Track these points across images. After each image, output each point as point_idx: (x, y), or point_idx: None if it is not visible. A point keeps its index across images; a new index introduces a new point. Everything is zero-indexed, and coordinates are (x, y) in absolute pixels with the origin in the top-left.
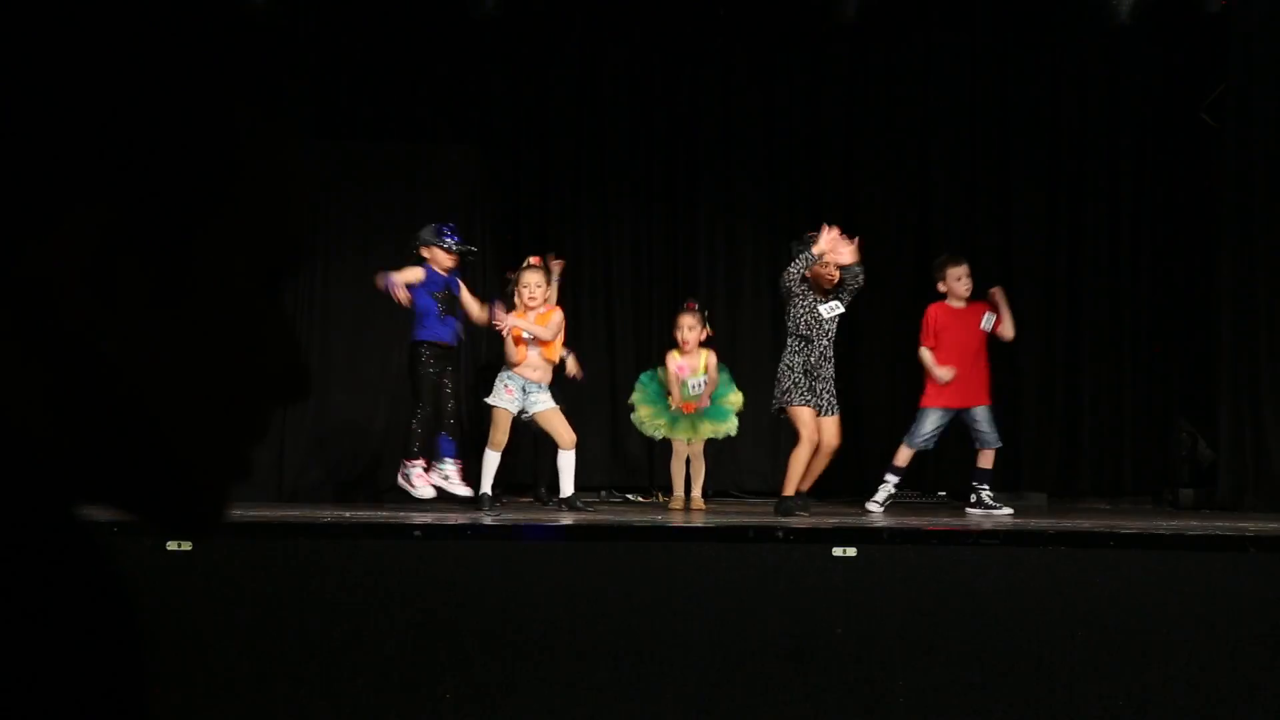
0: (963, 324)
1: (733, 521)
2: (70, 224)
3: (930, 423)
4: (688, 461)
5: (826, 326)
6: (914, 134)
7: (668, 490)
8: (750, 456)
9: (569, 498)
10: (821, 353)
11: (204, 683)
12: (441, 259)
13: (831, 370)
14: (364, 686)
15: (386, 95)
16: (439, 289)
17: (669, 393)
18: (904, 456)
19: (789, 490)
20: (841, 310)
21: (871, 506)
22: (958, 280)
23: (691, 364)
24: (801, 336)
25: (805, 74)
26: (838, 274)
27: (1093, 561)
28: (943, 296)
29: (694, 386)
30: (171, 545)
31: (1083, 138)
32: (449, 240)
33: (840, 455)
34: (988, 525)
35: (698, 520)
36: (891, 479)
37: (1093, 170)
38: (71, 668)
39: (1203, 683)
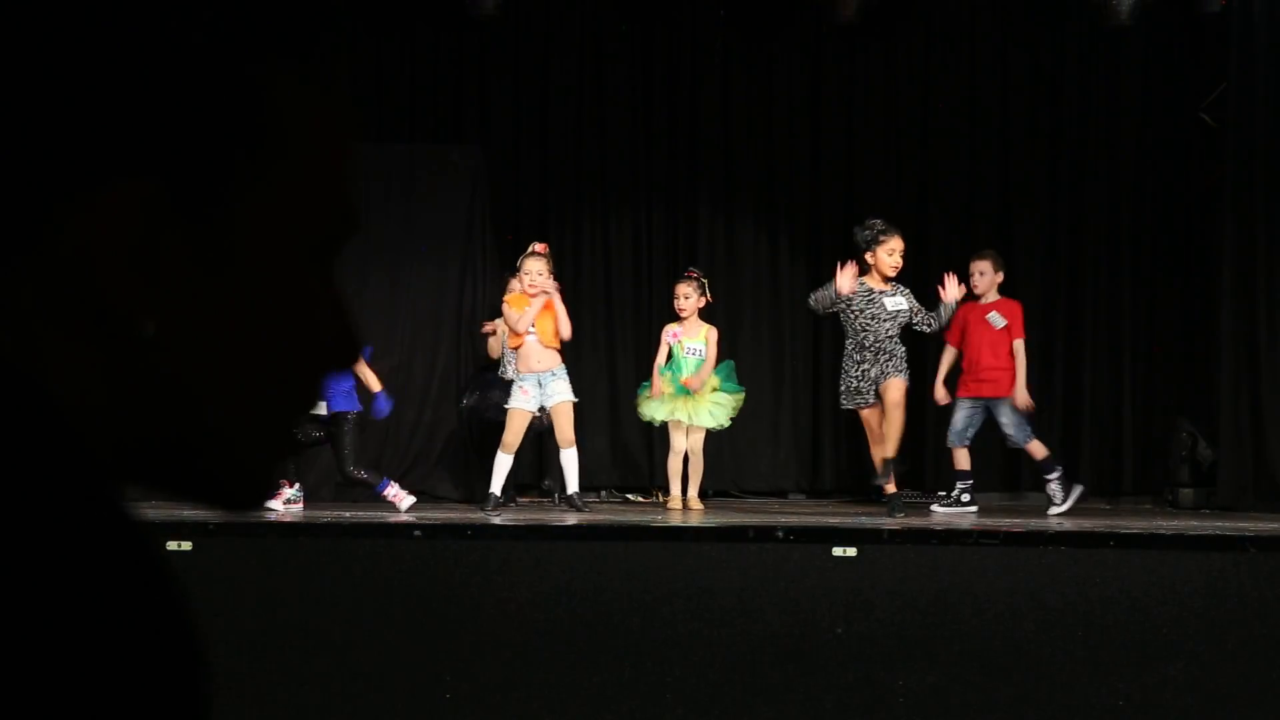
0: (981, 319)
1: (733, 521)
2: (113, 196)
3: (958, 414)
4: (686, 460)
5: (886, 320)
6: (914, 134)
7: (668, 490)
8: (750, 456)
9: (571, 496)
10: (878, 345)
11: None
12: None
13: (890, 350)
14: (364, 686)
15: (386, 95)
16: None
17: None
18: (959, 458)
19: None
20: (904, 306)
21: (935, 508)
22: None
23: (688, 333)
24: (858, 342)
25: (805, 74)
26: (901, 262)
27: (1093, 561)
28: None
29: (690, 351)
30: (172, 545)
31: (1083, 138)
32: None
33: (841, 456)
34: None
35: (698, 520)
36: (961, 484)
37: (1093, 170)
38: (125, 666)
39: (1203, 683)
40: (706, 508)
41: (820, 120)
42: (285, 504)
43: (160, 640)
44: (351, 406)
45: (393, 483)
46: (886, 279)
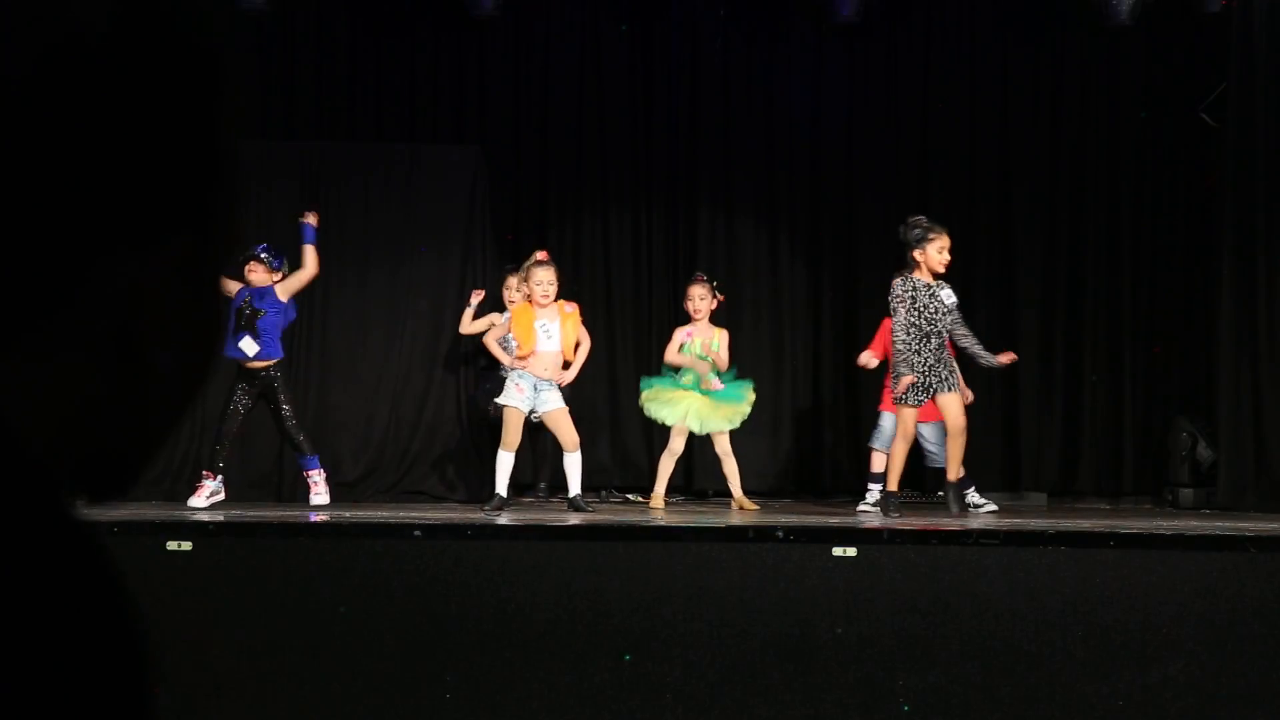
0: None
1: (733, 521)
2: (169, 248)
3: (885, 421)
4: (718, 462)
5: (945, 314)
6: (914, 134)
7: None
8: (750, 456)
9: (574, 498)
10: (941, 342)
11: (204, 683)
12: (247, 273)
13: (948, 353)
14: (364, 686)
15: (386, 95)
16: (239, 303)
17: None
18: (878, 461)
19: (889, 485)
20: (955, 299)
21: (863, 508)
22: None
23: (701, 334)
24: (923, 334)
25: (805, 73)
26: (950, 258)
27: (1093, 561)
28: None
29: (702, 346)
30: (171, 545)
31: (1083, 138)
32: (257, 254)
33: (842, 456)
34: (975, 525)
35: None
36: (875, 486)
37: (1093, 170)
38: (72, 667)
39: (1203, 683)
40: (706, 508)
41: (820, 120)
42: (209, 498)
43: (102, 641)
44: (276, 354)
45: (321, 469)
46: (936, 276)
